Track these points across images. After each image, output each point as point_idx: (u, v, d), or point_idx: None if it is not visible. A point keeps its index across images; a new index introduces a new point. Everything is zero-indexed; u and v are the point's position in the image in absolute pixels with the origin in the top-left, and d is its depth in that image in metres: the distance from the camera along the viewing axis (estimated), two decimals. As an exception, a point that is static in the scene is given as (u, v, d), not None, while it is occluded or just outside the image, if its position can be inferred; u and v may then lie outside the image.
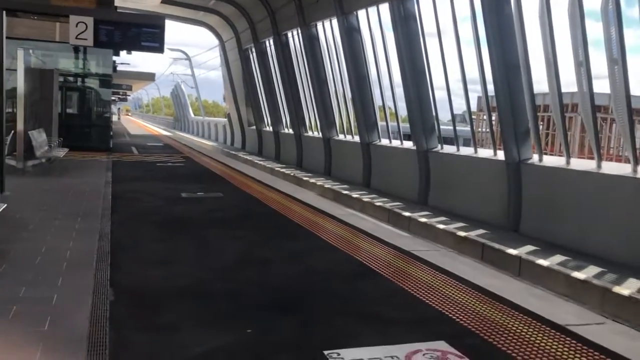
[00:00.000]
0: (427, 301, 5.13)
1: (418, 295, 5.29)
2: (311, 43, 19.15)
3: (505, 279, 6.34)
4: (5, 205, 6.48)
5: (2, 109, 9.00)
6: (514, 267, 8.56)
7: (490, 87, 11.30)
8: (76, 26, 9.13)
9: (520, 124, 10.74)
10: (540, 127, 11.38)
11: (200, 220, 8.62)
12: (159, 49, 9.55)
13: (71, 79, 20.53)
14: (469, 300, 5.17)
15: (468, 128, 19.87)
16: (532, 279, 8.06)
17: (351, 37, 16.32)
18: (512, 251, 8.90)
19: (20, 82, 12.08)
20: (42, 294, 4.78)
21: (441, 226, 10.80)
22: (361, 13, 15.87)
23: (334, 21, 17.05)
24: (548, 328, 4.52)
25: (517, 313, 4.86)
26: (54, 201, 9.16)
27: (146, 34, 9.45)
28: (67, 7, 14.50)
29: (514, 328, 4.52)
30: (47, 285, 5.01)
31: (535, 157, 10.74)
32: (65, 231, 7.10)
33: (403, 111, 15.61)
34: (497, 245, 9.25)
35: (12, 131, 12.06)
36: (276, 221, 8.94)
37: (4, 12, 9.02)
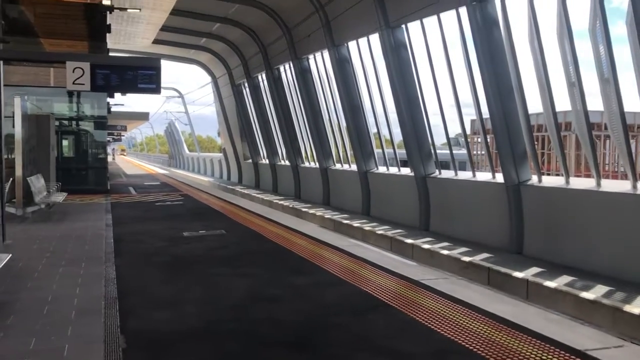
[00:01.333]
0: (442, 332, 5.09)
1: (431, 326, 5.24)
2: (303, 75, 19.37)
3: (516, 304, 6.30)
4: (10, 255, 6.44)
5: (1, 157, 9.01)
6: (522, 290, 8.53)
7: (484, 110, 11.43)
8: (73, 72, 9.18)
9: (517, 145, 10.83)
10: (535, 147, 11.47)
11: (204, 259, 8.58)
12: (156, 90, 9.60)
13: (66, 122, 20.63)
14: (483, 329, 5.13)
15: (462, 151, 20.00)
16: (540, 301, 8.02)
17: (343, 67, 16.53)
18: (518, 274, 8.88)
19: (17, 129, 12.11)
20: (53, 345, 4.72)
21: (445, 252, 10.77)
22: (352, 44, 16.10)
23: (325, 53, 17.29)
24: (567, 354, 4.48)
25: (533, 339, 4.82)
26: (57, 247, 9.11)
27: (143, 76, 9.51)
28: (63, 53, 14.68)
29: (532, 356, 4.48)
30: (57, 335, 4.95)
31: (534, 178, 10.80)
32: (71, 278, 7.04)
33: (398, 137, 15.74)
34: (503, 269, 9.23)
35: (11, 178, 12.04)
36: (280, 256, 8.90)
37: (1, 62, 9.08)
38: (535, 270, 9.13)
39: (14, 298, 6.08)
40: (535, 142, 20.59)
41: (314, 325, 5.43)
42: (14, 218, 11.78)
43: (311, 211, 17.51)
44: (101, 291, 6.45)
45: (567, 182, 10.10)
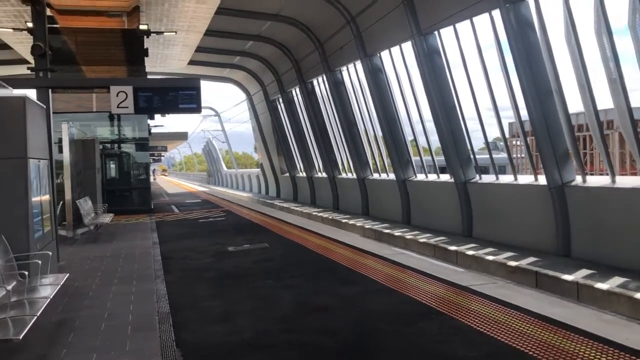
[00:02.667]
0: (493, 335, 5.05)
1: (484, 331, 5.21)
2: (337, 87, 19.49)
3: (568, 306, 6.21)
4: (68, 274, 6.68)
5: (53, 182, 9.36)
6: (572, 293, 8.34)
7: (523, 112, 11.30)
8: (117, 96, 9.52)
9: (559, 146, 10.65)
10: (578, 146, 11.25)
11: (251, 273, 8.70)
12: (197, 109, 9.87)
13: (109, 146, 21.24)
14: (535, 331, 5.07)
15: (501, 155, 19.74)
16: (592, 304, 7.84)
17: (376, 77, 16.57)
18: (568, 277, 8.69)
19: (65, 154, 12.56)
20: (112, 359, 4.87)
21: (490, 257, 10.63)
22: (384, 53, 16.15)
23: (358, 64, 17.38)
24: (624, 353, 4.39)
25: (587, 340, 4.74)
26: (107, 267, 9.38)
27: (183, 96, 9.80)
28: (107, 78, 15.19)
29: (587, 356, 4.41)
30: (116, 351, 5.11)
31: (578, 179, 10.59)
32: (124, 295, 7.25)
33: (435, 144, 15.65)
34: (551, 272, 9.04)
35: (61, 202, 12.47)
36: (325, 266, 8.96)
37: (50, 90, 9.48)
38: (585, 272, 8.92)
39: (73, 316, 6.30)
40: (578, 142, 20.18)
41: (365, 333, 5.46)
42: (65, 240, 12.19)
43: (351, 222, 17.52)
44: (154, 307, 6.62)
45: (613, 180, 9.87)
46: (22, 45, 16.42)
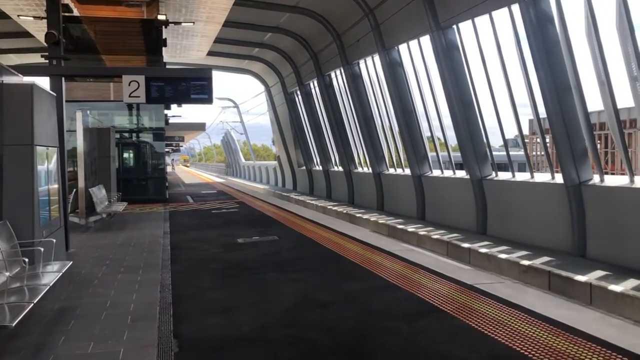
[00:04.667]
0: (496, 337, 4.92)
1: (486, 332, 5.08)
2: (355, 81, 19.36)
3: (578, 309, 6.02)
4: (71, 262, 6.69)
5: (64, 170, 9.41)
6: (585, 295, 8.17)
7: (542, 110, 11.07)
8: (129, 85, 9.51)
9: (577, 144, 10.42)
10: (598, 146, 11.00)
11: (257, 265, 8.65)
12: (208, 100, 9.82)
13: (126, 135, 21.38)
14: (540, 334, 4.92)
15: (520, 152, 19.43)
16: (606, 306, 7.66)
17: (394, 71, 16.40)
18: (581, 278, 8.51)
19: (79, 142, 12.63)
20: (109, 348, 4.86)
21: (503, 256, 10.46)
22: (402, 47, 15.96)
23: (376, 57, 17.21)
24: (630, 361, 4.24)
25: (595, 346, 4.59)
26: (116, 255, 9.42)
27: (195, 87, 9.75)
28: (119, 67, 15.26)
29: (592, 362, 4.27)
30: (113, 339, 5.09)
31: (596, 178, 10.35)
32: (128, 284, 7.26)
33: (452, 140, 15.45)
34: (564, 273, 8.87)
35: (74, 189, 12.57)
36: (333, 261, 8.87)
37: (63, 78, 9.51)
38: (599, 273, 8.74)
39: (76, 304, 6.31)
40: (598, 141, 19.78)
41: (366, 330, 5.37)
42: (77, 227, 12.28)
43: (365, 216, 17.42)
44: (156, 297, 6.61)
45: (632, 180, 9.62)
46: (43, 33, 16.63)
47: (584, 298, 8.18)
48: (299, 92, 26.24)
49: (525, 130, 26.60)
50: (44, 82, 9.23)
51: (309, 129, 26.50)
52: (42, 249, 6.14)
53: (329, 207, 20.89)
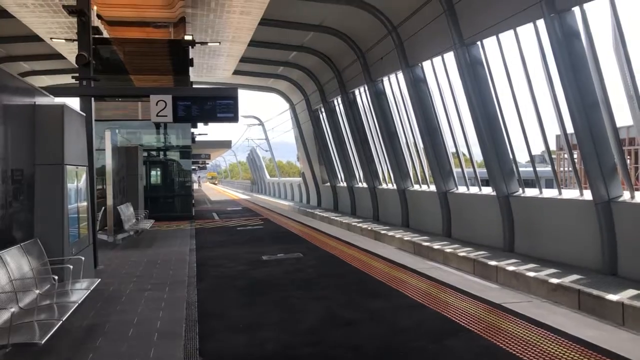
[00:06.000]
0: (524, 358, 4.82)
1: (514, 352, 4.99)
2: (378, 98, 19.40)
3: (609, 329, 5.88)
4: (99, 280, 6.80)
5: (93, 188, 9.60)
6: (617, 315, 7.96)
7: (569, 125, 10.92)
8: (156, 104, 9.67)
9: (606, 160, 10.24)
10: (628, 161, 10.80)
11: (282, 283, 8.66)
12: (234, 118, 9.93)
13: (154, 153, 21.71)
14: (570, 356, 4.81)
15: (547, 169, 19.16)
16: (639, 327, 7.45)
17: (418, 87, 16.39)
18: (612, 297, 8.30)
19: (108, 160, 12.88)
20: (136, 366, 4.91)
21: (531, 274, 10.28)
22: (426, 63, 15.95)
23: (400, 74, 17.23)
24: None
25: (626, 367, 4.47)
26: (143, 272, 9.53)
27: (221, 105, 9.88)
28: (147, 87, 15.57)
29: (625, 385, 4.15)
30: (140, 357, 5.14)
31: (626, 195, 10.14)
32: (155, 302, 7.33)
33: (477, 156, 15.32)
34: (595, 292, 8.67)
35: (103, 207, 12.78)
36: (357, 279, 8.82)
37: (92, 98, 9.74)
38: (631, 292, 8.52)
39: (104, 321, 6.39)
40: (627, 157, 19.38)
41: (392, 350, 5.32)
42: (106, 245, 12.47)
43: (390, 233, 17.32)
44: (182, 314, 6.66)
45: (664, 197, 9.40)
46: (74, 55, 17.11)
47: (615, 318, 7.97)
48: (323, 110, 26.37)
49: (552, 146, 26.22)
50: (74, 102, 9.48)
51: (333, 145, 26.58)
52: (71, 267, 6.25)
53: (353, 223, 20.83)
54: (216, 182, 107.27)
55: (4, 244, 5.70)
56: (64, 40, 17.30)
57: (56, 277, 5.70)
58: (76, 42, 10.07)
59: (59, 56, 20.56)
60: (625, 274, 9.66)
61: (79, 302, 5.56)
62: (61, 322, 4.80)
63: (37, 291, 5.71)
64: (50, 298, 5.65)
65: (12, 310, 5.04)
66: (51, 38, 17.34)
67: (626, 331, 6.43)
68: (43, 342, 4.33)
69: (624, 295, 8.37)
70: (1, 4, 14.27)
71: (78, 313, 6.05)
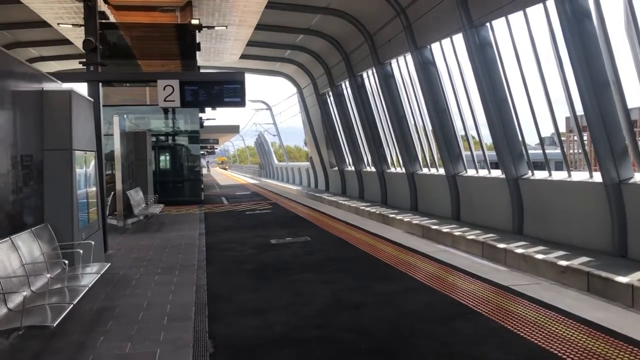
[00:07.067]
0: (533, 340, 4.83)
1: (522, 334, 5.00)
2: (387, 80, 19.26)
3: (618, 311, 5.88)
4: (109, 264, 6.85)
5: (102, 174, 9.64)
6: (626, 297, 7.93)
7: (579, 107, 10.81)
8: (164, 89, 9.69)
9: (616, 142, 10.14)
10: (639, 143, 10.67)
11: (290, 266, 8.70)
12: (241, 103, 9.93)
13: (162, 138, 21.76)
14: (578, 336, 4.82)
15: (557, 151, 19.01)
16: (648, 308, 7.43)
17: (427, 70, 16.25)
18: (622, 279, 8.27)
19: (116, 146, 12.93)
20: (146, 349, 4.96)
21: (540, 256, 10.25)
22: (435, 46, 15.81)
23: (408, 57, 17.09)
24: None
25: (637, 349, 4.46)
26: (153, 256, 9.60)
27: (228, 90, 9.87)
28: (155, 72, 15.55)
29: (633, 366, 4.15)
30: (150, 340, 5.19)
31: (637, 176, 10.06)
32: (165, 285, 7.39)
33: (487, 139, 15.23)
34: (604, 274, 8.63)
35: (112, 192, 12.86)
36: (365, 262, 8.85)
37: (100, 83, 9.75)
38: (641, 274, 8.47)
39: (114, 304, 6.46)
40: (639, 138, 19.20)
41: (398, 332, 5.34)
42: (115, 229, 12.57)
43: (398, 217, 17.31)
44: (192, 298, 6.71)
45: (676, 178, 9.31)
46: (81, 40, 17.12)
47: (625, 300, 7.95)
48: (330, 93, 26.25)
49: (562, 128, 25.98)
50: (82, 87, 9.50)
51: (341, 129, 26.49)
52: (81, 251, 6.31)
53: (361, 207, 20.84)
54: (226, 167, 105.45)
55: (15, 229, 5.75)
56: (71, 26, 17.27)
57: (66, 262, 5.76)
58: (83, 28, 10.05)
59: (66, 41, 20.55)
60: (635, 256, 9.61)
61: (89, 285, 5.62)
62: (72, 305, 4.85)
63: (48, 275, 5.77)
64: (61, 282, 5.71)
65: (25, 293, 5.11)
66: (58, 23, 17.31)
67: (635, 312, 6.42)
68: (55, 324, 4.38)
69: (633, 277, 8.33)
70: (8, -11, 14.26)
71: (88, 297, 6.12)
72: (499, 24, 12.71)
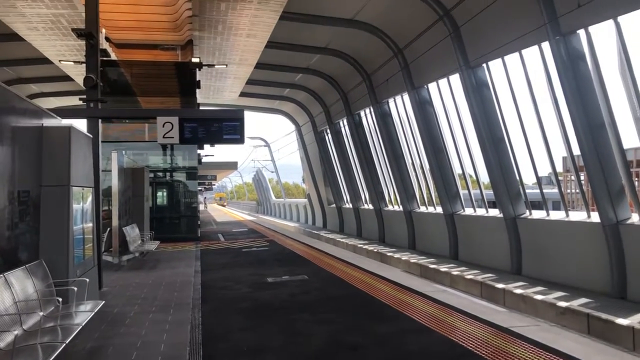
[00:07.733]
0: (534, 384, 4.74)
1: (523, 378, 4.90)
2: (384, 119, 19.45)
3: (620, 355, 5.78)
4: (103, 302, 6.75)
5: (99, 210, 9.60)
6: (627, 339, 7.83)
7: (575, 147, 10.89)
8: (163, 126, 9.73)
9: (613, 182, 10.18)
10: (636, 183, 10.74)
11: (286, 306, 8.58)
12: (240, 140, 9.97)
13: (160, 174, 21.77)
14: (580, 381, 4.72)
15: (554, 190, 19.08)
16: (649, 352, 7.32)
17: (424, 109, 16.43)
18: (623, 321, 8.18)
19: (114, 182, 12.90)
20: (139, 391, 4.84)
21: (539, 297, 10.16)
22: (432, 85, 16.02)
23: (405, 96, 17.30)
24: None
25: (638, 394, 4.37)
26: (148, 294, 9.47)
27: (227, 127, 9.93)
28: (154, 109, 15.68)
29: (637, 413, 4.06)
30: (143, 381, 5.08)
31: (634, 217, 10.06)
32: (159, 324, 7.27)
33: (484, 178, 15.27)
34: (604, 316, 8.55)
35: (108, 228, 12.78)
36: (363, 302, 8.74)
37: (99, 120, 9.80)
38: (642, 317, 8.38)
39: (107, 343, 6.34)
40: (635, 179, 19.29)
41: (396, 375, 5.23)
42: (111, 266, 12.44)
43: (396, 255, 17.21)
44: (187, 337, 6.59)
45: (673, 220, 9.31)
46: (82, 77, 17.37)
47: (626, 343, 7.84)
48: (329, 131, 26.47)
49: (559, 168, 26.14)
50: (81, 123, 9.54)
51: (338, 167, 26.61)
52: (75, 289, 6.22)
53: (359, 245, 20.74)
54: (224, 203, 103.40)
55: (9, 266, 5.68)
56: (72, 63, 17.52)
57: (60, 299, 5.67)
58: (84, 64, 10.17)
59: (67, 78, 20.82)
60: (635, 298, 9.54)
61: (83, 324, 5.52)
62: (64, 344, 4.76)
63: (41, 313, 5.67)
64: (54, 320, 5.61)
65: (16, 332, 5.01)
66: (60, 60, 17.56)
67: (637, 357, 6.32)
68: (46, 365, 4.29)
69: (634, 320, 8.24)
70: (12, 28, 14.50)
71: (82, 335, 6.00)
72: (495, 64, 12.94)
